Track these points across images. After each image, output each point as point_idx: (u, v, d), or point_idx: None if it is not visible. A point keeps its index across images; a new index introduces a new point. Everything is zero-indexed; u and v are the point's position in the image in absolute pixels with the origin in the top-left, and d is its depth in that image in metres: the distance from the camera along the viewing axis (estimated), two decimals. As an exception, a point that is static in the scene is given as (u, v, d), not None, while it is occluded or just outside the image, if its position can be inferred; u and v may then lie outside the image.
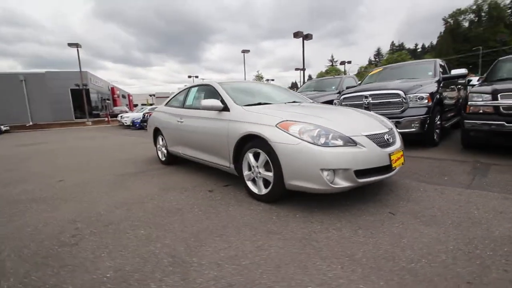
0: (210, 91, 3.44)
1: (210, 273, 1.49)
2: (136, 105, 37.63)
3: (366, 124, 2.45)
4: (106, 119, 21.59)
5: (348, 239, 1.78)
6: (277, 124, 2.29)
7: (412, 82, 4.78)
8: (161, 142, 4.48)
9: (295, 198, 2.50)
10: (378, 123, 2.55)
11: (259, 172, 2.47)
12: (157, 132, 4.58)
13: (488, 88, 3.77)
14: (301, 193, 2.34)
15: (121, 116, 17.99)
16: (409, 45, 79.29)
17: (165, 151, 4.39)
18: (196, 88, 3.80)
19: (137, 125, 15.29)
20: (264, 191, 2.47)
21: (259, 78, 38.76)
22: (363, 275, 1.41)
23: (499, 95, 3.59)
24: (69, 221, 2.31)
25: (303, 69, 18.58)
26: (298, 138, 2.13)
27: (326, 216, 2.14)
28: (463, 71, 5.17)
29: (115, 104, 28.56)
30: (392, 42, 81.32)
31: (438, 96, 4.63)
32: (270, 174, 2.36)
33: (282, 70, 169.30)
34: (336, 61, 68.27)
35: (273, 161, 2.30)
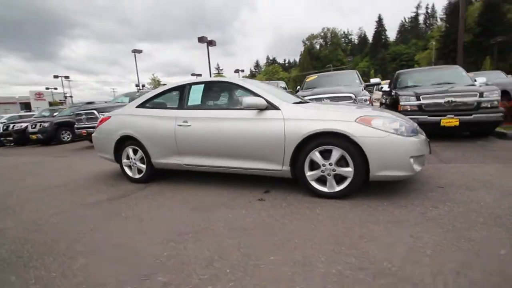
0: (228, 89, 3.03)
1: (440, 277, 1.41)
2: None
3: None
4: None
5: (453, 212, 2.07)
6: (357, 119, 2.35)
7: (354, 88, 5.83)
8: (133, 156, 3.48)
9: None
10: None
11: (334, 169, 2.43)
12: (124, 143, 3.52)
13: (412, 92, 5.15)
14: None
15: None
16: (280, 59, 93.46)
17: (142, 166, 3.44)
18: (201, 85, 3.19)
19: (-8, 141, 10.79)
20: (337, 188, 2.46)
21: (155, 82, 35.25)
22: (508, 233, 1.73)
23: (421, 97, 4.99)
24: (140, 278, 1.51)
25: (209, 75, 18.51)
26: (384, 131, 2.27)
27: (406, 200, 2.37)
28: (378, 80, 6.77)
29: None
30: (268, 56, 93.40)
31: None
32: (349, 169, 2.38)
33: (164, 75, 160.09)
34: (222, 69, 71.70)
35: (354, 156, 2.33)
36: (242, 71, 35.64)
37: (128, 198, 2.95)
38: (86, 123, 7.66)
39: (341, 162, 2.42)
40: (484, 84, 5.29)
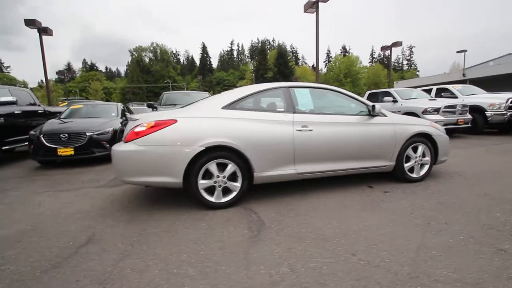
0: (333, 95, 3.21)
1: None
2: None
3: None
4: None
5: (466, 175, 3.62)
6: (431, 124, 3.44)
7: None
8: (219, 173, 2.58)
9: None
10: None
11: (421, 160, 3.36)
12: (199, 158, 2.51)
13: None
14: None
15: None
16: (101, 66, 79.91)
17: (235, 185, 2.64)
18: (306, 90, 3.03)
19: None
20: (421, 173, 3.40)
21: None
22: (505, 180, 3.44)
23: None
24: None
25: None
26: (442, 132, 3.52)
27: (458, 180, 3.74)
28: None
29: None
30: (84, 59, 76.27)
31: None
32: (427, 158, 3.40)
33: None
34: (9, 67, 50.56)
35: (430, 149, 3.40)
36: (67, 72, 27.50)
37: (276, 227, 2.29)
38: None
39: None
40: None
